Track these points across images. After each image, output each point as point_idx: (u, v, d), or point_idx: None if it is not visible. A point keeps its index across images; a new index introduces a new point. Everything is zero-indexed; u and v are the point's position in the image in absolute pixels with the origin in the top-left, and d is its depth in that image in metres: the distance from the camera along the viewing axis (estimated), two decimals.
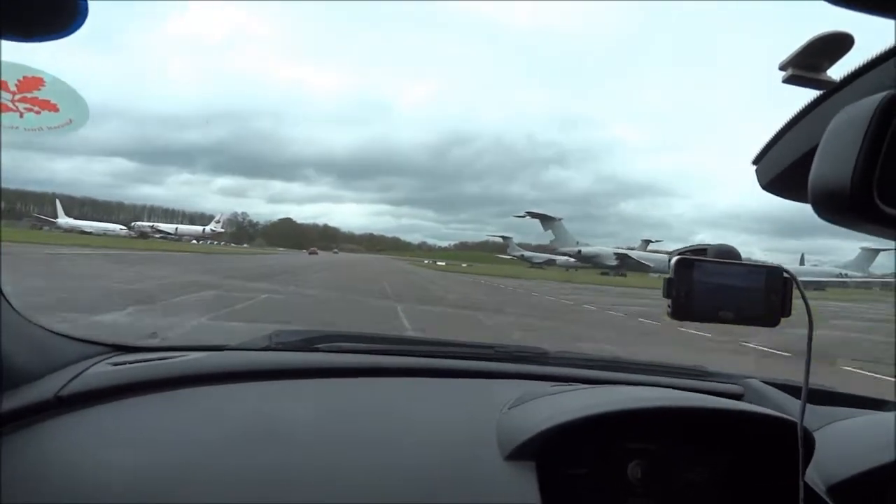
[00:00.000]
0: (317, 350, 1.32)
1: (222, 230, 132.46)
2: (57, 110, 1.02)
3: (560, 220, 75.95)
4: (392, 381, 1.22)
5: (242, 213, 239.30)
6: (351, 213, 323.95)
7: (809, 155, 0.53)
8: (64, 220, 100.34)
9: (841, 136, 0.48)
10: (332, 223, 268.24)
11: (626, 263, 69.65)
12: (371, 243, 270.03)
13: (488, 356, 1.44)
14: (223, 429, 0.95)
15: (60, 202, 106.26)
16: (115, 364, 1.11)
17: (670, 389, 1.21)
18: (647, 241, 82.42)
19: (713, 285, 0.79)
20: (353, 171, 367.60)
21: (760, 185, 0.73)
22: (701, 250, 0.83)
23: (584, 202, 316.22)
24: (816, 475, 1.02)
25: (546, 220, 76.34)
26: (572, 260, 74.92)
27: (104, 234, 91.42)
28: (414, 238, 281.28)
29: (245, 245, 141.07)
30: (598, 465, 1.01)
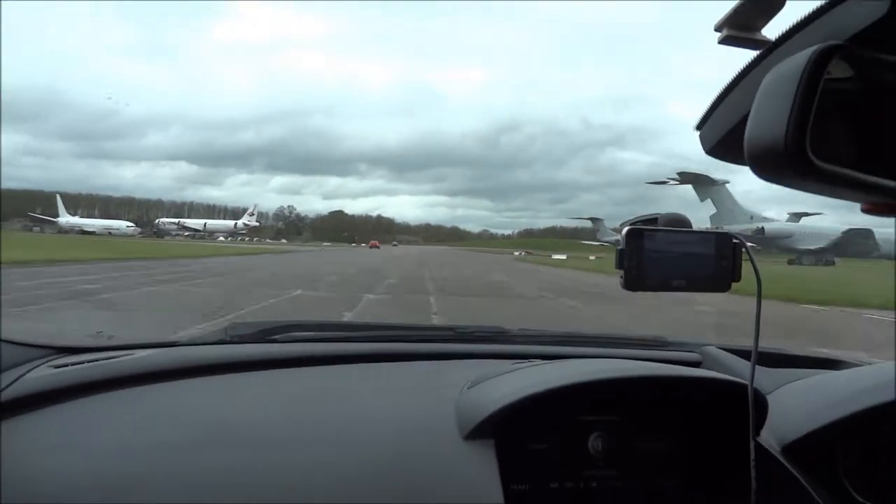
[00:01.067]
0: (273, 341, 1.28)
1: (257, 223, 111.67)
2: None
3: (724, 183, 53.33)
4: (350, 368, 1.20)
5: (289, 207, 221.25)
6: (406, 205, 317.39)
7: (747, 117, 0.53)
8: (65, 218, 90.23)
9: (773, 93, 0.48)
10: (387, 214, 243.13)
11: (845, 245, 43.10)
12: (429, 234, 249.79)
13: (448, 338, 1.43)
14: (175, 428, 0.91)
15: (62, 199, 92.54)
16: (58, 366, 1.05)
17: (627, 360, 1.18)
18: (798, 215, 55.91)
19: (664, 254, 0.79)
20: (406, 164, 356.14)
21: (704, 150, 0.71)
22: (652, 220, 0.83)
23: (641, 184, 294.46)
24: (771, 436, 1.03)
25: (703, 183, 51.32)
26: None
27: (108, 233, 75.09)
28: (470, 227, 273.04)
29: (283, 241, 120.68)
30: (557, 439, 1.01)
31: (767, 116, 0.47)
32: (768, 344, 1.23)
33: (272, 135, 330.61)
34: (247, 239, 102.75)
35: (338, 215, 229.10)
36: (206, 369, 1.09)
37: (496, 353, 1.34)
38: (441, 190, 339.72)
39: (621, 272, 0.78)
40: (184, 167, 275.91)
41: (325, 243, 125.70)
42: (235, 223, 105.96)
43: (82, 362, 1.07)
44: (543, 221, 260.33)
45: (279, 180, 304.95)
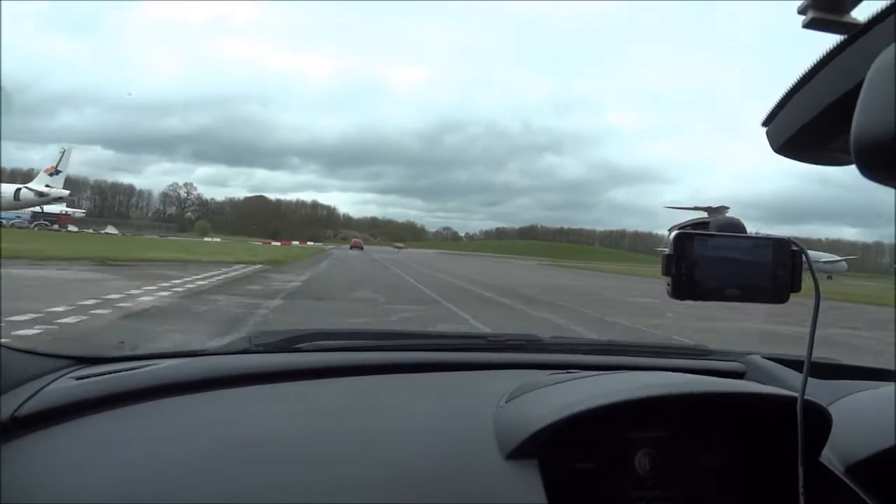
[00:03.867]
0: (299, 350, 1.26)
1: (62, 195, 53.91)
2: None
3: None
4: (379, 379, 1.16)
5: (186, 186, 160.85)
6: (337, 202, 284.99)
7: (829, 110, 0.49)
8: None
9: (886, 80, 0.43)
10: (324, 202, 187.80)
11: None
12: (377, 230, 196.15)
13: (479, 346, 1.40)
14: (200, 440, 0.90)
15: None
16: (80, 378, 1.03)
17: (674, 374, 1.14)
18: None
19: (717, 260, 0.74)
20: (341, 159, 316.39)
21: (773, 148, 0.66)
22: (703, 223, 0.78)
23: (575, 189, 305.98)
24: (833, 454, 0.97)
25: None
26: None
27: None
28: (422, 223, 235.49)
29: (110, 229, 64.76)
30: (603, 457, 0.97)
31: (881, 108, 0.42)
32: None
33: (200, 122, 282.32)
34: (56, 227, 49.81)
35: (258, 201, 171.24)
36: (230, 380, 1.07)
37: (531, 363, 1.28)
38: (373, 188, 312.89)
39: (668, 279, 0.73)
40: (98, 152, 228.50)
41: (217, 238, 78.81)
42: (18, 189, 49.42)
43: (105, 373, 1.04)
44: (475, 224, 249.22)
45: (204, 170, 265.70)
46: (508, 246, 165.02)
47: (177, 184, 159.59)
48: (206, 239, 60.43)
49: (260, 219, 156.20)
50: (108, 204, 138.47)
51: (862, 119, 0.43)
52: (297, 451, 0.87)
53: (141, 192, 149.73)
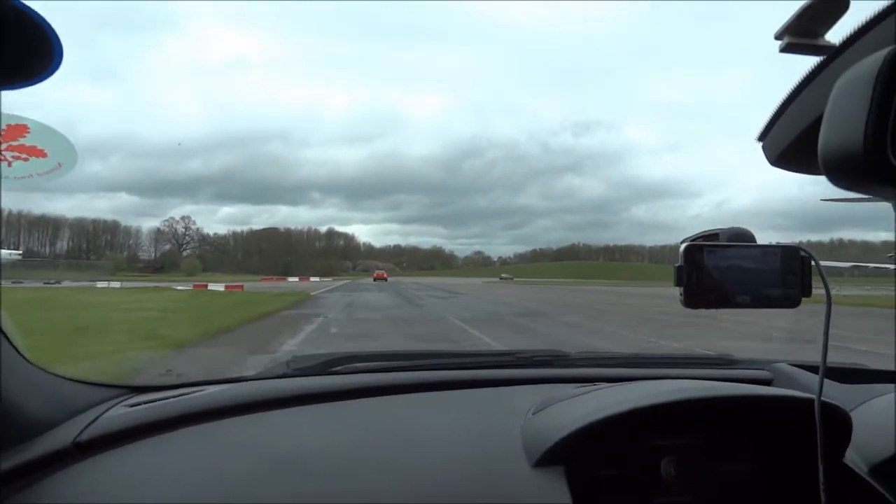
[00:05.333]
0: (335, 373, 1.31)
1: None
2: (45, 155, 1.01)
3: None
4: (412, 398, 1.21)
5: (184, 220, 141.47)
6: (358, 234, 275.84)
7: (816, 124, 0.51)
8: None
9: (847, 98, 0.46)
10: (342, 230, 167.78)
11: None
12: (401, 258, 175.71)
13: (508, 363, 1.44)
14: (247, 460, 0.94)
15: None
16: (133, 405, 1.10)
17: (696, 381, 1.17)
18: None
19: (727, 270, 0.76)
20: (361, 191, 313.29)
21: (768, 161, 0.70)
22: (713, 235, 0.81)
23: (597, 209, 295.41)
24: (857, 456, 0.99)
25: None
26: None
27: None
28: (452, 249, 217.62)
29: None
30: (628, 464, 0.99)
31: (842, 124, 0.45)
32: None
33: (222, 162, 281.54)
34: None
35: (265, 234, 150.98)
36: (270, 403, 1.13)
37: (558, 378, 1.32)
38: (394, 218, 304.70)
39: (680, 289, 0.75)
40: (123, 198, 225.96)
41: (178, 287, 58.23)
42: None
43: (155, 400, 1.11)
44: (497, 249, 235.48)
45: (227, 210, 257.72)
46: (550, 269, 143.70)
47: (173, 218, 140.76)
48: (109, 285, 32.74)
49: (268, 253, 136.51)
50: (93, 245, 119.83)
51: (825, 134, 0.46)
52: (336, 467, 0.91)
53: (127, 230, 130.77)
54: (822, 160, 0.47)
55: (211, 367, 7.97)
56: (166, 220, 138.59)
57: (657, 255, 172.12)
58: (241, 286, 24.74)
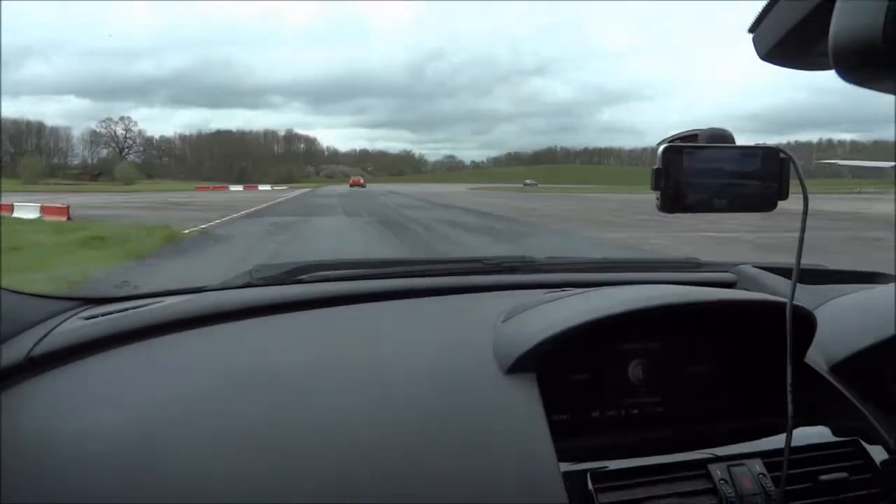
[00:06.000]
0: (300, 282, 1.27)
1: None
2: None
3: None
4: (380, 306, 1.18)
5: (123, 121, 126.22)
6: (323, 139, 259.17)
7: (817, 11, 0.49)
8: None
9: None
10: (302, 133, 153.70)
11: None
12: (367, 163, 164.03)
13: (477, 270, 1.41)
14: (209, 373, 0.93)
15: None
16: (88, 318, 1.05)
17: (664, 286, 1.15)
18: None
19: (705, 172, 0.74)
20: (325, 95, 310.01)
21: (759, 55, 0.65)
22: (692, 136, 0.77)
23: (564, 113, 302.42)
24: (818, 355, 1.02)
25: None
26: None
27: None
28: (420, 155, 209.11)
29: None
30: (597, 368, 1.01)
31: (859, 8, 0.42)
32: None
33: (175, 65, 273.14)
34: None
35: (223, 137, 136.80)
36: (234, 314, 1.09)
37: (526, 283, 1.31)
38: (361, 122, 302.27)
39: (657, 193, 0.74)
40: (73, 101, 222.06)
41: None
42: None
43: (112, 312, 1.06)
44: (465, 153, 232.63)
45: (184, 115, 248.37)
46: (528, 173, 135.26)
47: (111, 119, 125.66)
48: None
49: (220, 158, 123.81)
50: (18, 149, 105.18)
51: (838, 20, 0.44)
52: (303, 378, 0.90)
53: (56, 132, 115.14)
54: (834, 50, 0.44)
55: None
56: (103, 122, 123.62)
57: (637, 158, 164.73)
58: (66, 209, 14.00)
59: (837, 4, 0.44)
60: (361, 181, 66.52)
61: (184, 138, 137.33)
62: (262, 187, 55.48)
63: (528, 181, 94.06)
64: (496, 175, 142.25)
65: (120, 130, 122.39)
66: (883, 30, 0.40)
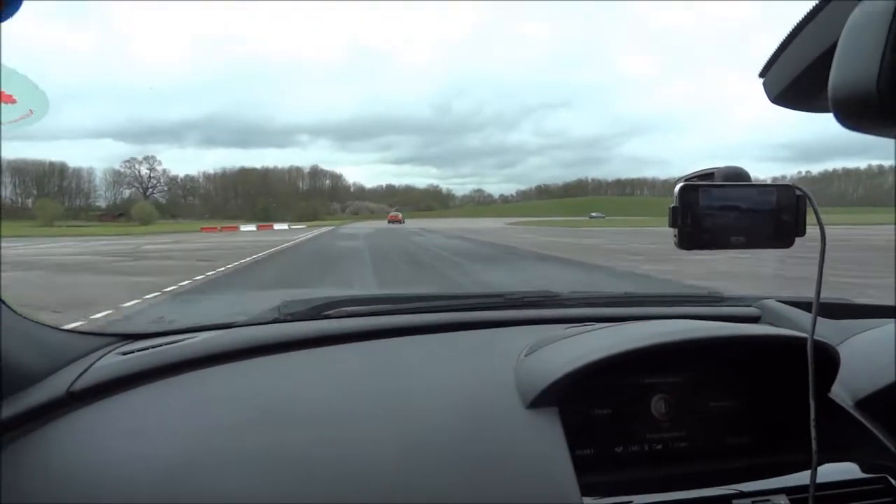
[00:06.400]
0: (327, 317, 1.30)
1: None
2: (15, 102, 0.98)
3: None
4: (406, 340, 1.21)
5: (147, 160, 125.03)
6: (349, 177, 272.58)
7: (822, 59, 0.50)
8: None
9: (862, 34, 0.44)
10: (327, 168, 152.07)
11: None
12: (395, 199, 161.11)
13: (498, 304, 1.44)
14: (240, 407, 0.94)
15: None
16: (125, 353, 1.08)
17: (687, 321, 1.16)
18: None
19: (721, 210, 0.75)
20: (351, 132, 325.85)
21: (769, 98, 0.67)
22: (708, 174, 0.79)
23: (589, 146, 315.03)
24: (843, 390, 1.02)
25: None
26: None
27: None
28: (448, 189, 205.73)
29: None
30: (620, 403, 1.02)
31: (856, 57, 0.43)
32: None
33: (207, 107, 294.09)
34: None
35: (245, 174, 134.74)
36: (264, 349, 1.12)
37: (549, 318, 1.33)
38: (387, 159, 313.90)
39: (675, 231, 0.75)
40: (109, 144, 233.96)
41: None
42: None
43: (147, 348, 1.10)
44: (490, 187, 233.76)
45: (215, 154, 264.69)
46: (562, 206, 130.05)
47: (135, 159, 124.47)
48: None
49: (245, 196, 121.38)
50: (43, 190, 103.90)
51: (837, 73, 0.44)
52: (329, 411, 0.91)
53: (78, 172, 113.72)
54: (833, 99, 0.45)
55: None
56: (126, 161, 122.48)
57: (670, 189, 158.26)
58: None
59: (836, 57, 0.45)
60: (400, 217, 66.08)
61: (208, 177, 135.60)
62: (277, 226, 51.27)
63: (593, 214, 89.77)
64: (526, 209, 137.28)
65: (144, 170, 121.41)
66: (877, 84, 0.41)
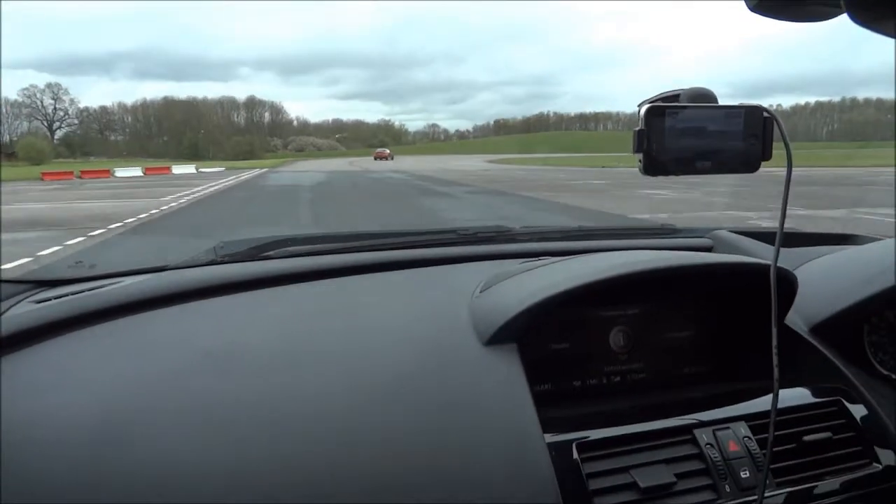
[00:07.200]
0: (267, 258, 1.24)
1: None
2: None
3: None
4: (352, 280, 1.15)
5: (51, 88, 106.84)
6: (293, 112, 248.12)
7: None
8: None
9: None
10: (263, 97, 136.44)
11: None
12: (341, 134, 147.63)
13: (450, 241, 1.40)
14: (174, 355, 0.89)
15: None
16: (40, 301, 1.01)
17: (643, 252, 1.15)
18: None
19: (688, 133, 0.73)
20: (295, 66, 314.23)
21: (748, 6, 0.62)
22: (673, 96, 0.75)
23: (538, 82, 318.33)
24: (798, 317, 1.04)
25: None
26: None
27: None
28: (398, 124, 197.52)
29: None
30: (578, 337, 1.01)
31: None
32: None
33: (138, 36, 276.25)
34: None
35: (169, 106, 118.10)
36: (198, 292, 1.05)
37: (502, 254, 1.30)
38: (332, 94, 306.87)
39: (640, 156, 0.72)
40: (31, 76, 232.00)
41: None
42: None
43: (65, 294, 1.02)
44: (442, 123, 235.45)
45: (149, 88, 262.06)
46: (528, 141, 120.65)
47: (35, 87, 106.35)
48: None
49: (170, 131, 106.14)
50: None
51: None
52: (273, 357, 0.88)
53: None
54: None
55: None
56: (25, 89, 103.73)
57: (637, 122, 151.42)
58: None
59: None
60: (387, 153, 59.58)
61: (127, 109, 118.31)
62: (179, 169, 38.24)
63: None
64: (485, 146, 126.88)
65: (48, 100, 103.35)
66: None
